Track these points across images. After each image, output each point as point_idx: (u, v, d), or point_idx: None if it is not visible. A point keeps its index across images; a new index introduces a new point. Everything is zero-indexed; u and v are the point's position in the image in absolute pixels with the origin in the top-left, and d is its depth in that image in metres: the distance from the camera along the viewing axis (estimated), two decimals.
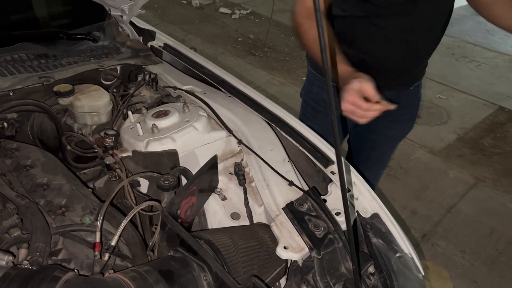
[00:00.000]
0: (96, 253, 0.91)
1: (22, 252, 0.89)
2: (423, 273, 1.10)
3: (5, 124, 1.42)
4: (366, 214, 1.18)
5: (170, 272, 0.88)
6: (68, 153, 1.47)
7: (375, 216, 1.18)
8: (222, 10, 6.00)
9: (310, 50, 1.40)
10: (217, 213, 1.28)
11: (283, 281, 1.15)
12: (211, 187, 1.29)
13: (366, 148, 1.83)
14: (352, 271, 0.92)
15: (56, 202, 1.11)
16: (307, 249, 1.02)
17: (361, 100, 1.17)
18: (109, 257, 0.92)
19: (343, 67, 1.27)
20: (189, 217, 1.18)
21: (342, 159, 0.75)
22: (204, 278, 0.91)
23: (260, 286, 0.86)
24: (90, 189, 1.26)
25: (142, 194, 1.25)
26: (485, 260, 2.51)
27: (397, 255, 1.12)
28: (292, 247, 1.03)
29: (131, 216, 1.00)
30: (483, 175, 3.17)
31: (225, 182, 1.34)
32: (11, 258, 0.81)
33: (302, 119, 1.79)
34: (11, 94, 1.38)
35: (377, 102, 1.17)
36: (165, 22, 5.49)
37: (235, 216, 1.27)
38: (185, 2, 6.27)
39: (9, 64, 1.47)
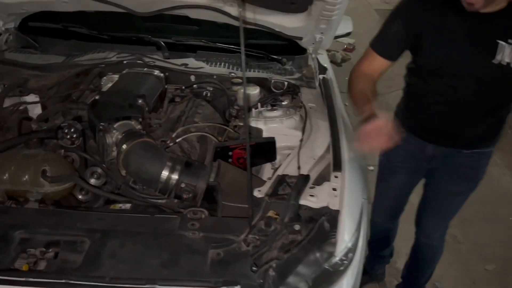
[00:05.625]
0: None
1: None
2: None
3: (208, 93, 2.51)
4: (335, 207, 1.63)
5: (190, 164, 1.71)
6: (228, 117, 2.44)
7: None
8: None
9: (354, 102, 1.85)
10: (265, 172, 2.00)
11: None
12: (269, 158, 2.00)
13: (427, 196, 2.05)
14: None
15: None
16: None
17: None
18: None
19: (368, 107, 1.69)
20: (242, 164, 1.93)
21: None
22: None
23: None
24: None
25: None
26: None
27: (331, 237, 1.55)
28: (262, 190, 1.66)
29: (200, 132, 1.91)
30: None
31: (282, 160, 2.01)
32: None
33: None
34: (214, 76, 2.46)
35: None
36: None
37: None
38: None
39: (223, 61, 2.58)
